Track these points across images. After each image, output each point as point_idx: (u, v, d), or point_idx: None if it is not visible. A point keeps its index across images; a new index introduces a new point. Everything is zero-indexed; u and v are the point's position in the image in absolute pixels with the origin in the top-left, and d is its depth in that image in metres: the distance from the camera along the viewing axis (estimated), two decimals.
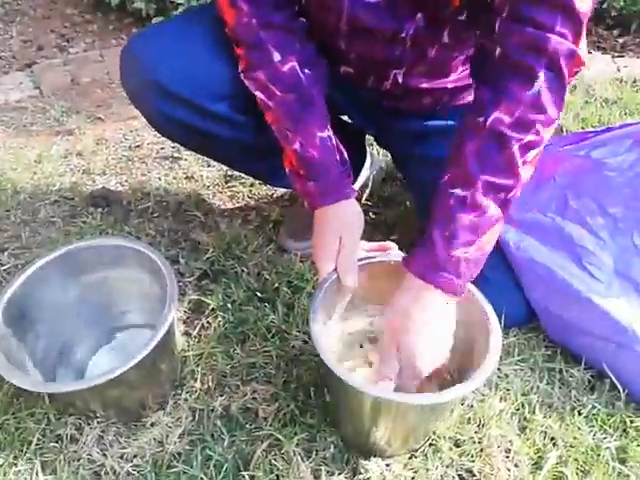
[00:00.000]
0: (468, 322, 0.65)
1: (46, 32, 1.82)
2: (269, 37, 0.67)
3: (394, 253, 0.72)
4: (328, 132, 0.71)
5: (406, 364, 0.62)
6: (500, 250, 0.81)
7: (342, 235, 0.69)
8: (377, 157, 1.19)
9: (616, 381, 0.75)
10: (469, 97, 0.80)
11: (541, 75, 0.57)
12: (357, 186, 1.08)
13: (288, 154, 0.71)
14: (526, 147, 0.59)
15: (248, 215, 1.09)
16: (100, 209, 1.10)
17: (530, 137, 0.59)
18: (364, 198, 1.11)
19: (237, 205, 1.13)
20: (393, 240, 1.01)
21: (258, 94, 0.70)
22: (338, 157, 0.72)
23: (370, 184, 1.13)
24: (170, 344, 0.74)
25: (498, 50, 0.59)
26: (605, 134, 0.83)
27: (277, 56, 0.68)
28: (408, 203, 1.10)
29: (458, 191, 0.60)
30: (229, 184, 1.17)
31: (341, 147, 0.73)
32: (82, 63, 1.60)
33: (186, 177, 1.20)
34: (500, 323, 0.78)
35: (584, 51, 0.59)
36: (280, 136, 0.71)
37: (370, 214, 1.10)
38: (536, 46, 0.57)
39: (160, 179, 1.19)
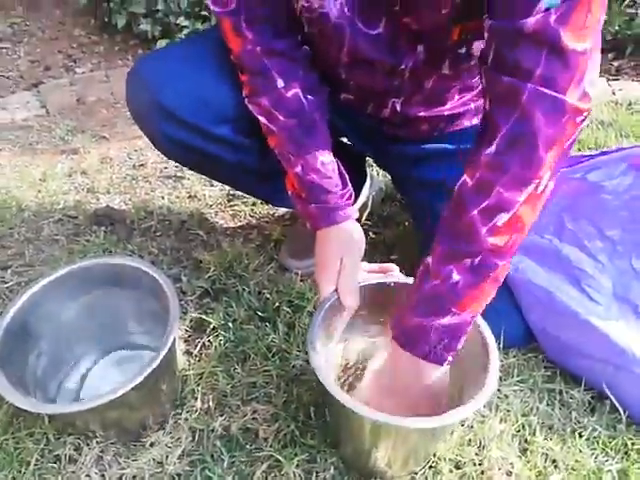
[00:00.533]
0: (466, 343, 0.65)
1: (53, 52, 1.86)
2: (273, 64, 0.69)
3: (394, 275, 0.72)
4: (330, 156, 0.72)
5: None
6: None
7: (343, 256, 0.70)
8: (377, 178, 1.20)
9: (616, 403, 0.75)
10: (466, 122, 0.82)
11: (503, 130, 0.53)
12: (357, 206, 1.09)
13: (290, 177, 0.72)
14: (489, 212, 0.55)
15: (250, 234, 1.10)
16: (104, 228, 1.11)
17: (490, 201, 0.55)
18: (364, 218, 1.12)
19: (239, 224, 1.14)
20: (393, 260, 1.03)
21: (261, 119, 0.72)
22: (339, 180, 0.73)
23: (370, 204, 1.14)
24: (171, 364, 0.74)
25: (486, 102, 0.57)
26: (600, 157, 0.84)
27: (281, 82, 0.69)
28: (407, 223, 1.11)
29: (428, 258, 0.61)
30: (231, 203, 1.18)
31: (342, 170, 0.74)
32: (88, 83, 1.63)
33: (189, 196, 1.21)
34: (499, 344, 0.79)
35: (587, 96, 0.53)
36: (282, 159, 0.72)
37: (370, 234, 1.11)
38: (508, 98, 0.53)
39: (163, 198, 1.20)
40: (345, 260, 0.69)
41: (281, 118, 0.70)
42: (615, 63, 1.79)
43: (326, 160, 0.71)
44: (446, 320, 0.59)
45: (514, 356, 0.83)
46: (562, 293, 0.77)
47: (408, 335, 0.61)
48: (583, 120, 0.54)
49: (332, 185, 0.72)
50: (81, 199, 1.19)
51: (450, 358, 0.60)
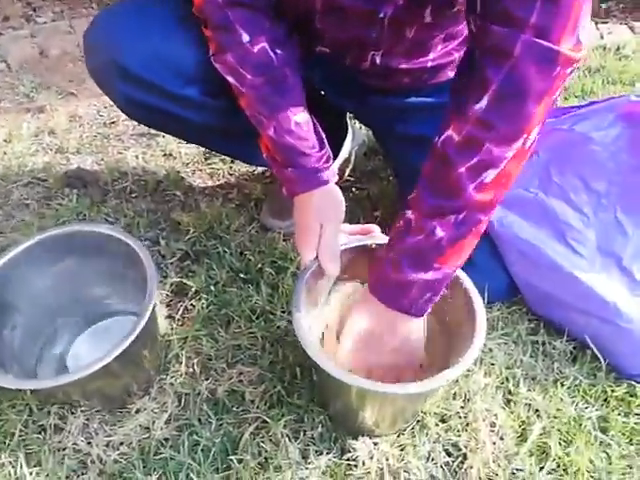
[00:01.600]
0: (453, 305, 0.65)
1: (11, 1, 1.73)
2: (236, 16, 0.63)
3: (376, 236, 0.70)
4: (304, 115, 0.67)
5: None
6: None
7: (323, 222, 0.67)
8: (359, 131, 1.16)
9: (597, 352, 0.76)
10: (450, 73, 0.78)
11: (493, 86, 0.51)
12: (339, 161, 1.06)
13: (264, 140, 0.68)
14: (477, 169, 0.54)
15: (229, 193, 1.07)
16: (76, 190, 1.06)
17: (479, 158, 0.54)
18: (347, 174, 1.10)
19: (217, 183, 1.11)
20: (377, 217, 1.02)
21: (229, 78, 0.67)
22: (316, 141, 0.68)
23: (352, 159, 1.11)
24: (153, 330, 0.73)
25: (475, 53, 0.54)
26: (588, 107, 0.82)
27: (246, 37, 0.64)
28: (391, 178, 1.09)
29: (408, 213, 0.59)
30: (208, 161, 1.14)
31: (319, 129, 0.70)
32: (51, 34, 1.53)
33: (164, 155, 1.16)
34: (483, 299, 0.79)
35: (579, 44, 0.51)
36: (254, 122, 0.68)
37: (353, 190, 1.08)
38: (499, 50, 0.50)
39: (137, 157, 1.15)
40: (325, 226, 0.67)
41: (248, 76, 0.65)
42: (604, 5, 1.74)
43: (300, 120, 0.67)
44: (428, 275, 0.59)
45: (498, 310, 0.83)
46: (547, 247, 0.77)
47: (388, 290, 0.60)
48: (573, 70, 0.52)
49: (308, 147, 0.67)
50: (50, 160, 1.14)
51: (429, 310, 0.61)
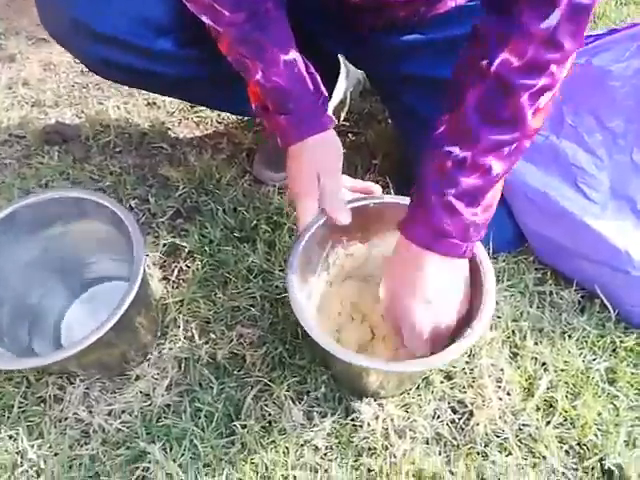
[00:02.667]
0: None
1: None
2: None
3: (376, 196, 0.66)
4: (294, 53, 0.61)
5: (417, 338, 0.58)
6: None
7: (322, 173, 0.62)
8: (353, 69, 1.08)
9: (607, 302, 0.74)
10: (450, 2, 0.70)
11: (563, 1, 0.45)
12: (332, 104, 1.00)
13: (251, 87, 0.62)
14: (537, 94, 0.49)
15: (218, 144, 1.01)
16: (56, 147, 1.00)
17: (543, 81, 0.49)
18: (342, 117, 1.03)
19: (205, 133, 1.04)
20: (375, 164, 0.97)
21: (205, 19, 0.60)
22: (310, 82, 0.62)
23: (348, 101, 1.04)
24: (146, 296, 0.70)
25: None
26: (608, 37, 0.74)
27: None
28: (390, 121, 1.02)
29: (456, 150, 0.52)
30: (195, 109, 1.07)
31: (312, 69, 0.63)
32: None
33: (147, 104, 1.09)
34: (488, 250, 0.76)
35: None
36: (239, 67, 0.61)
37: (349, 135, 1.03)
38: None
39: (119, 108, 1.08)
40: (325, 180, 0.62)
41: (226, 13, 0.58)
42: None
43: (290, 58, 0.60)
44: (477, 217, 0.54)
45: (503, 260, 0.80)
46: (556, 193, 0.73)
47: (433, 234, 0.54)
48: None
49: (302, 89, 0.61)
50: (27, 115, 1.07)
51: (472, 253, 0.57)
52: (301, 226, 0.63)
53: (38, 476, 0.62)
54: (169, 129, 1.04)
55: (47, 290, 0.72)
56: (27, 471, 0.62)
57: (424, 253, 0.55)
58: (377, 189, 0.66)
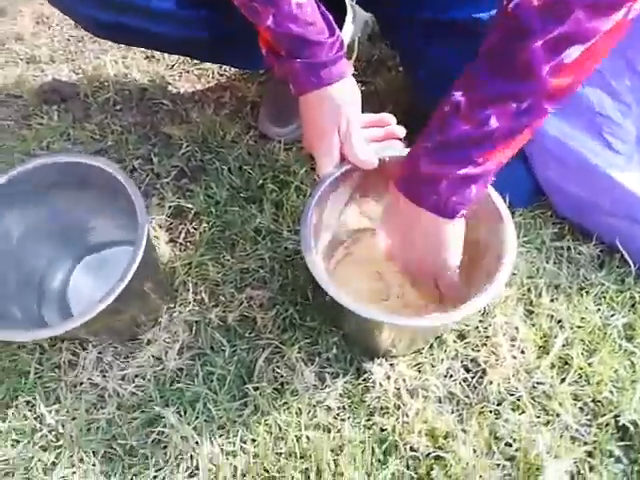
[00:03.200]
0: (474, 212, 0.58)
1: None
2: None
3: (393, 145, 0.63)
4: None
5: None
6: None
7: (340, 123, 0.59)
8: (360, 11, 1.01)
9: (627, 256, 0.71)
10: None
11: None
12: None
13: (262, 34, 0.58)
14: (556, 45, 0.43)
15: (221, 97, 0.97)
16: (55, 106, 0.97)
17: (563, 29, 0.42)
18: (351, 65, 0.98)
19: (207, 86, 1.00)
20: None
21: None
22: (325, 25, 0.58)
23: (356, 47, 0.98)
24: (152, 261, 0.69)
25: None
26: None
27: None
28: (401, 68, 0.97)
29: (457, 95, 0.49)
30: (195, 61, 1.02)
31: (325, 10, 0.59)
32: None
33: (146, 57, 1.04)
34: (505, 203, 0.72)
35: None
36: (248, 14, 0.57)
37: (359, 84, 0.97)
38: None
39: (117, 62, 1.04)
40: (349, 125, 0.59)
41: None
42: None
43: (302, 1, 0.56)
44: (465, 170, 0.50)
45: (520, 215, 0.77)
46: (579, 144, 0.69)
47: (417, 185, 0.53)
48: None
49: (316, 33, 0.57)
50: (22, 73, 1.03)
51: (463, 212, 0.53)
52: (321, 176, 0.61)
53: (57, 440, 0.63)
54: (169, 84, 1.00)
55: (52, 257, 0.71)
56: (46, 435, 0.64)
57: (408, 205, 0.54)
58: (391, 120, 0.63)
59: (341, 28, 0.94)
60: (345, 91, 0.60)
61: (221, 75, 1.01)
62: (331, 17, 0.59)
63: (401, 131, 0.64)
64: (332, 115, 0.59)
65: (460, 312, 0.50)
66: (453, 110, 0.49)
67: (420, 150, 0.53)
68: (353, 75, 0.93)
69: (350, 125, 0.59)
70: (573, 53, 0.44)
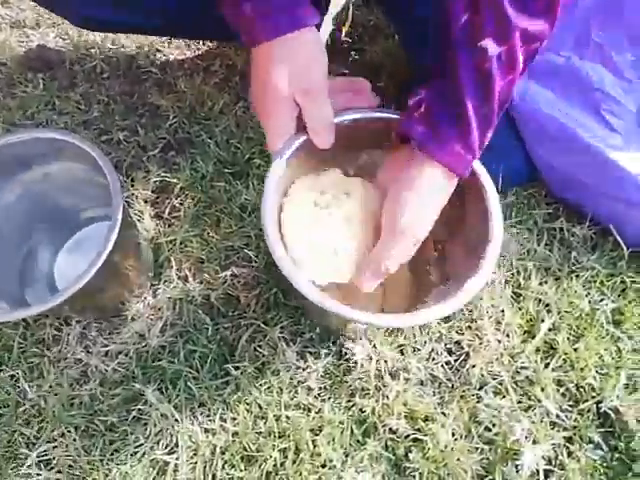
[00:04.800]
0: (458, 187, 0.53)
1: None
2: None
3: (366, 98, 0.57)
4: None
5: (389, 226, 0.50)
6: None
7: (301, 84, 0.49)
8: None
9: (620, 240, 0.69)
10: None
11: None
12: (332, 14, 0.90)
13: None
14: None
15: (210, 66, 0.94)
16: (41, 74, 0.95)
17: None
18: (344, 32, 0.94)
19: (197, 53, 0.97)
20: (380, 87, 0.89)
21: None
22: None
23: (350, 13, 0.94)
24: (131, 238, 0.68)
25: None
26: None
27: None
28: (397, 36, 0.93)
29: (490, 45, 0.44)
30: None
31: None
32: None
33: None
34: (497, 185, 0.70)
35: None
36: None
37: (352, 53, 0.94)
38: None
39: None
40: (305, 92, 0.49)
41: None
42: None
43: None
44: (484, 108, 0.46)
45: (513, 194, 0.75)
46: (575, 123, 0.66)
47: (437, 129, 0.46)
48: None
49: None
50: (7, 38, 1.00)
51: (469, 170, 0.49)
52: (273, 153, 0.52)
53: (40, 415, 0.64)
54: (158, 50, 0.97)
55: (35, 236, 0.70)
56: (29, 410, 0.64)
57: (423, 160, 0.48)
58: (366, 85, 0.56)
59: None
60: (306, 44, 0.49)
61: (211, 41, 0.98)
62: None
63: (376, 99, 0.56)
64: (287, 75, 0.48)
65: (441, 309, 0.47)
66: (498, 63, 0.45)
67: (467, 111, 0.46)
68: (347, 43, 0.88)
69: (311, 90, 0.50)
70: None
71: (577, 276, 0.69)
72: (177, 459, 0.61)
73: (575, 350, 0.64)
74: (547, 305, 0.68)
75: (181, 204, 0.79)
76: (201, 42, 0.97)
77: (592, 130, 0.65)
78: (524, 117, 0.68)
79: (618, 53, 0.65)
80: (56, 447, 0.62)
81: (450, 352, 0.66)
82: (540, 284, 0.69)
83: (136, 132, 0.87)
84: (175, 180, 0.80)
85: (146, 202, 0.80)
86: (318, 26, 0.51)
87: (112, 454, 0.61)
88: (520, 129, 0.69)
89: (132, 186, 0.81)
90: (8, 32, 1.01)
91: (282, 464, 0.60)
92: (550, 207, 0.74)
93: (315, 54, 0.50)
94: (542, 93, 0.66)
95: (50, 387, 0.66)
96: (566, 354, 0.64)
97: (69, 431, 0.63)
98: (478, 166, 0.53)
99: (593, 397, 0.61)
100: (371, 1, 1.00)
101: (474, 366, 0.64)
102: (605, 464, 0.59)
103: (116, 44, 0.98)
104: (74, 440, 0.62)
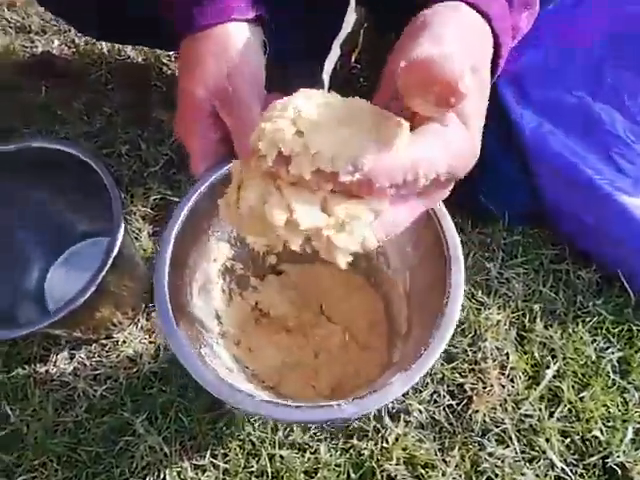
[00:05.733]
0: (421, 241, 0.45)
1: None
2: None
3: None
4: None
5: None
6: (513, 137, 0.68)
7: (220, 89, 0.39)
8: None
9: (627, 286, 0.68)
10: None
11: None
12: (340, 39, 0.89)
13: None
14: None
15: None
16: (43, 81, 0.92)
17: None
18: (353, 58, 0.93)
19: None
20: None
21: None
22: None
23: (360, 39, 0.94)
24: (129, 257, 0.65)
25: None
26: None
27: None
28: None
29: None
30: None
31: None
32: None
33: None
34: (504, 221, 0.69)
35: None
36: None
37: (360, 80, 0.93)
38: None
39: None
40: (231, 100, 0.39)
41: None
42: None
43: None
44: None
45: (519, 233, 0.74)
46: (585, 163, 0.65)
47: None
48: None
49: None
50: (12, 42, 0.98)
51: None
52: (195, 177, 0.43)
53: (22, 441, 0.61)
54: (164, 64, 0.95)
55: (27, 249, 0.68)
56: (10, 434, 0.61)
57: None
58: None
59: (344, 13, 0.88)
60: (232, 45, 0.40)
61: None
62: None
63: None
64: (207, 84, 0.40)
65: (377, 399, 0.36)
66: None
67: None
68: (356, 69, 0.85)
69: (239, 105, 0.40)
70: None
71: (583, 321, 0.68)
72: None
73: (581, 399, 0.63)
74: (552, 350, 0.66)
75: None
76: None
77: (602, 172, 0.64)
78: (534, 153, 0.67)
79: (631, 97, 0.64)
80: (35, 477, 0.59)
81: (453, 395, 0.64)
82: (545, 327, 0.67)
83: (138, 146, 0.85)
84: (175, 198, 0.78)
85: (144, 219, 0.78)
86: (264, 25, 0.43)
87: None
88: (529, 164, 0.68)
89: (131, 202, 0.79)
90: (13, 36, 0.99)
91: None
92: (556, 248, 0.73)
93: (240, 56, 0.40)
94: (553, 131, 0.65)
95: (34, 411, 0.63)
96: (571, 403, 0.62)
97: (51, 460, 0.59)
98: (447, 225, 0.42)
99: (599, 451, 0.60)
100: (382, 26, 1.00)
101: (477, 411, 0.62)
102: None
103: (122, 55, 0.96)
104: (55, 471, 0.59)
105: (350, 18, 0.89)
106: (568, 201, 0.69)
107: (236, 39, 0.40)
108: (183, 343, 0.39)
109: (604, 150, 0.66)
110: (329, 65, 0.87)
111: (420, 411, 0.62)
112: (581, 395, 0.63)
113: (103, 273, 0.55)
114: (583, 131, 0.66)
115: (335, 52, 0.89)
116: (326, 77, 0.87)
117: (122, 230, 0.56)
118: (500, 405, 0.62)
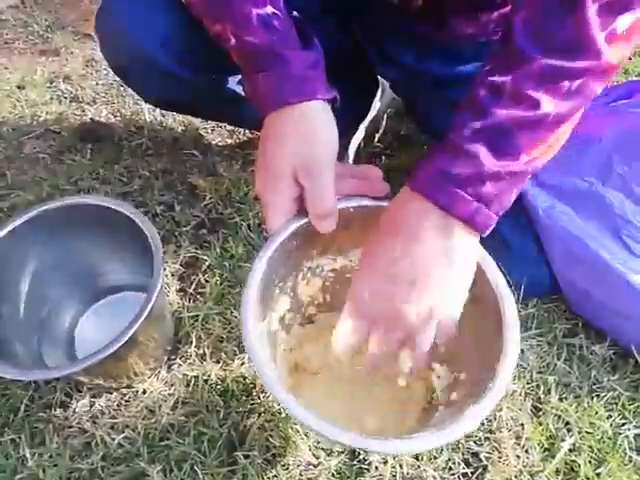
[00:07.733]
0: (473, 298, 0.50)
1: None
2: None
3: (373, 188, 0.53)
4: (273, 8, 0.49)
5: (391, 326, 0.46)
6: (527, 215, 0.72)
7: (307, 163, 0.47)
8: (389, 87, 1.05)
9: None
10: None
11: None
12: (366, 122, 0.97)
13: (232, 54, 0.52)
14: (611, 8, 0.39)
15: (249, 155, 1.00)
16: (89, 145, 1.01)
17: None
18: (376, 138, 1.01)
19: (238, 142, 1.03)
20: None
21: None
22: (297, 38, 0.49)
23: (384, 122, 1.02)
24: (160, 310, 0.68)
25: None
26: None
27: None
28: (426, 147, 0.99)
29: (495, 78, 0.42)
30: None
31: (302, 23, 0.51)
32: None
33: None
34: (519, 294, 0.72)
35: None
36: (216, 37, 0.51)
37: (382, 157, 1.00)
38: None
39: (154, 110, 1.07)
40: (309, 171, 0.47)
41: None
42: None
43: (265, 13, 0.48)
44: (514, 166, 0.42)
45: (534, 306, 0.76)
46: (597, 244, 0.68)
47: (448, 186, 0.41)
48: None
49: (283, 43, 0.48)
50: (65, 110, 1.07)
51: (492, 226, 0.44)
52: (269, 233, 0.50)
53: None
54: (202, 136, 1.03)
55: (62, 297, 0.71)
56: (26, 478, 0.61)
57: (418, 206, 0.43)
58: (376, 172, 0.53)
59: (372, 100, 0.97)
60: (312, 117, 0.47)
61: (252, 133, 1.04)
62: (313, 36, 0.51)
63: (385, 188, 0.53)
64: (289, 148, 0.47)
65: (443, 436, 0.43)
66: (493, 93, 0.42)
67: (451, 144, 0.42)
68: (379, 149, 0.92)
69: (312, 169, 0.47)
70: (625, 21, 0.39)
71: (598, 396, 0.68)
72: None
73: (597, 475, 0.62)
74: (567, 423, 0.66)
75: (207, 281, 0.80)
76: (242, 132, 1.04)
77: (614, 252, 0.68)
78: (549, 234, 0.71)
79: (638, 185, 0.69)
80: None
81: (467, 463, 0.64)
82: (560, 400, 0.68)
83: (172, 207, 0.90)
84: (205, 257, 0.82)
85: (173, 275, 0.81)
86: (335, 109, 0.50)
87: None
88: (544, 243, 0.72)
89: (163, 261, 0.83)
90: (67, 105, 1.09)
91: None
92: (570, 322, 0.75)
93: (321, 130, 0.48)
94: (567, 212, 0.70)
95: (51, 457, 0.63)
96: (588, 479, 0.62)
97: None
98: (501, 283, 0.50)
99: None
100: (403, 112, 1.08)
101: None
102: None
103: (163, 125, 1.05)
104: None
105: (376, 105, 0.98)
106: (582, 278, 0.71)
107: (318, 115, 0.48)
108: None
109: (615, 232, 0.70)
110: (354, 143, 0.95)
111: (434, 477, 0.62)
112: (598, 471, 0.62)
113: (138, 324, 0.57)
114: (595, 214, 0.70)
115: (360, 132, 0.97)
116: (351, 153, 0.94)
117: (160, 282, 0.59)
118: (515, 476, 0.62)
